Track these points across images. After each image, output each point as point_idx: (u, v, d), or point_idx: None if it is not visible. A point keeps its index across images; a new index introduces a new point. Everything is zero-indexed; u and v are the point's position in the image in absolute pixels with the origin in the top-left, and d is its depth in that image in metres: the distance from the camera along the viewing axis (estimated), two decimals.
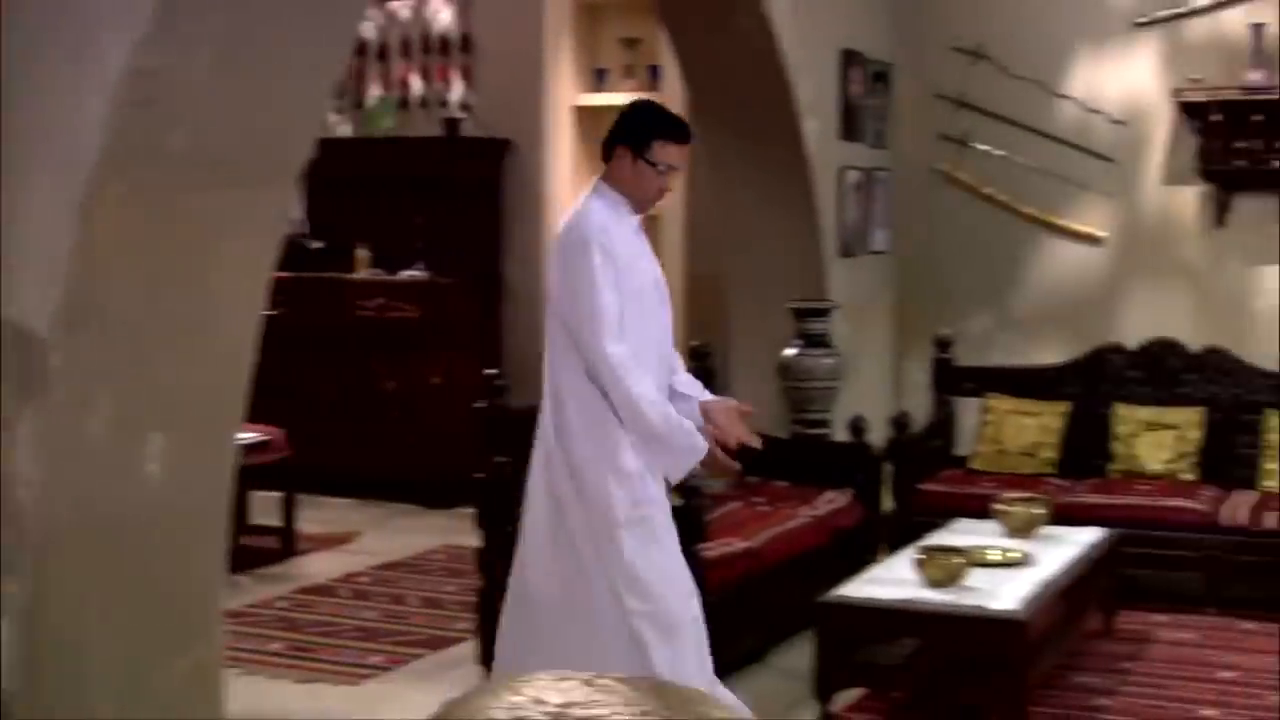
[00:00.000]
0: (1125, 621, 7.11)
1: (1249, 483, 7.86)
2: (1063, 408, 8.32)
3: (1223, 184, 8.96)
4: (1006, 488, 7.50)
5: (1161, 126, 9.12)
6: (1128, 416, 8.17)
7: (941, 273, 9.60)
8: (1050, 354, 8.88)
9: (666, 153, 4.94)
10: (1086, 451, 8.20)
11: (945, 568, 5.82)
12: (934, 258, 9.61)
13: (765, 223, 8.65)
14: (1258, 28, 8.79)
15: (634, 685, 1.94)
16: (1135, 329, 8.76)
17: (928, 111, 9.53)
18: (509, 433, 6.50)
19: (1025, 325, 9.42)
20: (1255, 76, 8.76)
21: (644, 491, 4.87)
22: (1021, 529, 6.71)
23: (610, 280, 4.79)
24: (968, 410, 8.64)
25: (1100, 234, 9.27)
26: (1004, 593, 5.77)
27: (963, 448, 8.55)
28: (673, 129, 5.00)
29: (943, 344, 8.67)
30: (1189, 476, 7.96)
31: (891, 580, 5.95)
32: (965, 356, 9.05)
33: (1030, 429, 8.31)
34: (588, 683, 1.92)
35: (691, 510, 5.81)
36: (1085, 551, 6.61)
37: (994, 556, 6.26)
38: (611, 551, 4.83)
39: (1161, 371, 8.29)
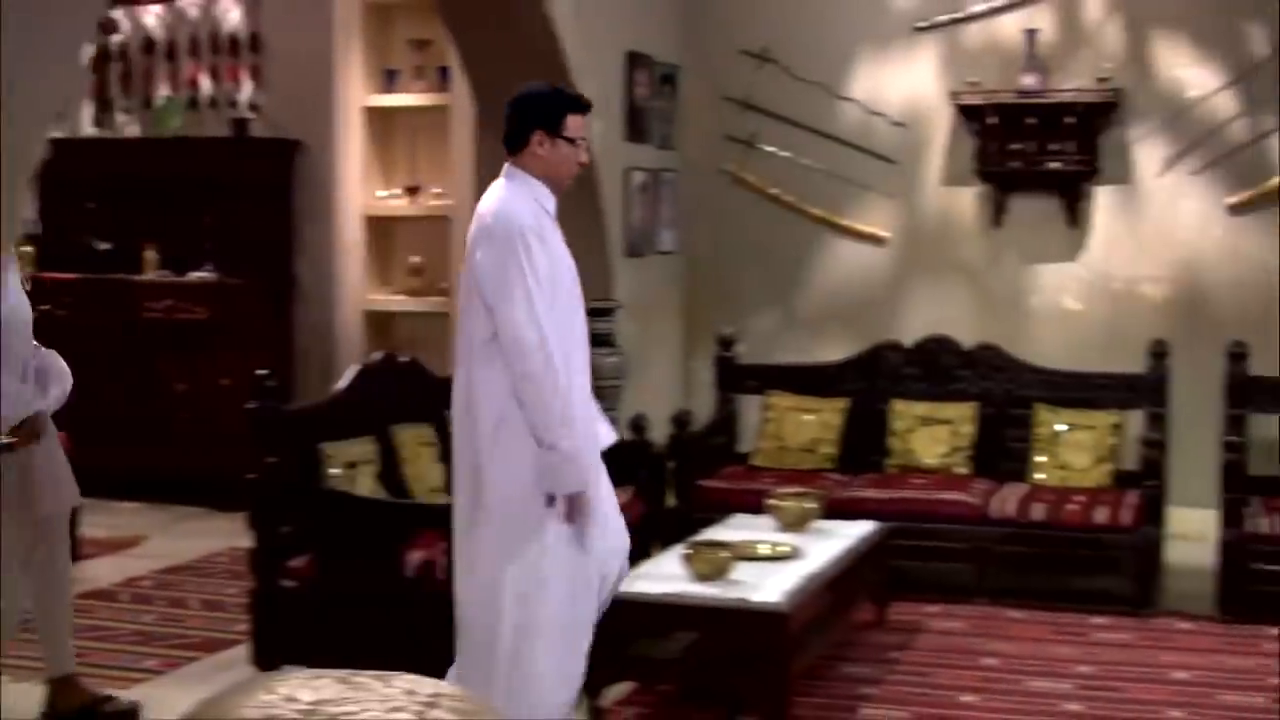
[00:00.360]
0: (898, 612, 7.27)
1: (1020, 475, 8.07)
2: (841, 404, 8.48)
3: (999, 185, 9.20)
4: (786, 483, 7.62)
5: (941, 129, 9.34)
6: (904, 412, 8.36)
7: (729, 272, 9.73)
8: (835, 352, 9.01)
9: (577, 124, 5.08)
10: (865, 447, 8.38)
11: (711, 562, 5.91)
12: (722, 258, 9.74)
13: None
14: (1031, 33, 9.05)
15: (387, 683, 1.96)
16: (917, 327, 8.96)
17: (715, 113, 9.66)
18: (281, 433, 6.50)
19: (811, 324, 9.59)
20: (1029, 80, 9.01)
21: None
22: (794, 523, 6.83)
23: (541, 270, 4.89)
24: (754, 408, 8.76)
25: (883, 234, 9.46)
26: (769, 586, 5.87)
27: (747, 445, 8.67)
28: (576, 101, 5.16)
29: (725, 343, 8.78)
30: (963, 470, 8.16)
31: (660, 575, 6.03)
32: (753, 355, 9.21)
33: (810, 425, 8.46)
34: (342, 680, 1.94)
35: None
36: (855, 544, 6.75)
37: (764, 550, 6.37)
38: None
39: (937, 368, 8.48)
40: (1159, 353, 8.16)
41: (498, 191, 5.07)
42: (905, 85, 9.36)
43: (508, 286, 4.86)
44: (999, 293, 9.30)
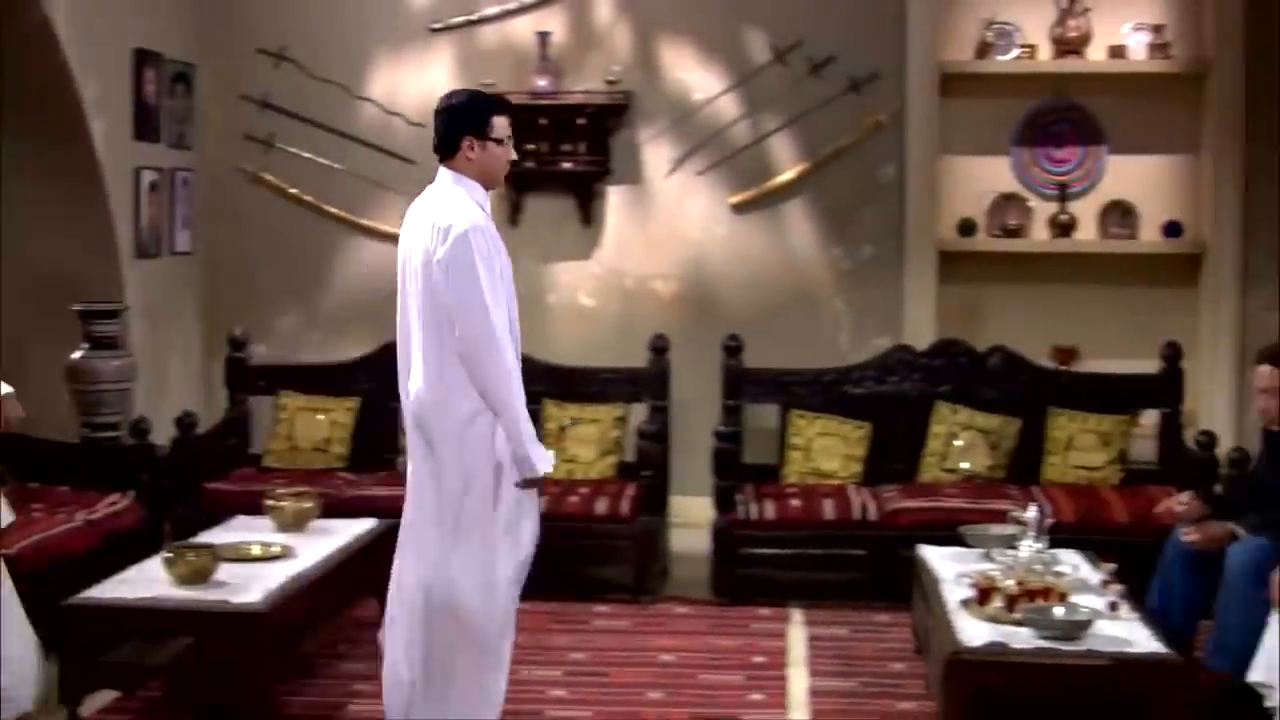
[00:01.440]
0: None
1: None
2: (352, 403, 8.51)
3: (515, 185, 9.34)
4: (296, 483, 7.62)
5: None
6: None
7: (251, 273, 9.63)
8: (358, 351, 9.01)
9: (503, 124, 5.38)
10: (378, 445, 8.42)
11: (191, 565, 5.88)
12: (243, 258, 9.63)
13: (54, 224, 8.45)
14: (543, 36, 9.23)
15: None
16: None
17: (233, 112, 9.55)
18: None
19: (334, 323, 9.57)
20: (542, 82, 9.19)
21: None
22: (292, 523, 6.83)
23: (494, 270, 5.21)
24: (268, 409, 8.69)
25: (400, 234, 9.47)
26: (253, 587, 5.86)
27: (263, 446, 8.61)
28: (498, 103, 5.48)
29: (237, 343, 8.71)
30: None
31: (142, 580, 5.96)
32: (277, 355, 9.20)
33: (322, 425, 8.46)
34: None
35: None
36: (351, 543, 6.78)
37: (255, 552, 6.36)
38: None
39: None
40: (659, 347, 8.46)
41: (444, 197, 5.32)
42: (422, 85, 9.42)
43: (474, 287, 5.14)
44: (518, 291, 9.39)
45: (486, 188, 5.41)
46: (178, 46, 9.30)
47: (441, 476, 5.26)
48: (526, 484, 5.32)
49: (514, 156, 5.51)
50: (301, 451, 8.42)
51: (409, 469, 5.45)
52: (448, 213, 5.24)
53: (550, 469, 5.38)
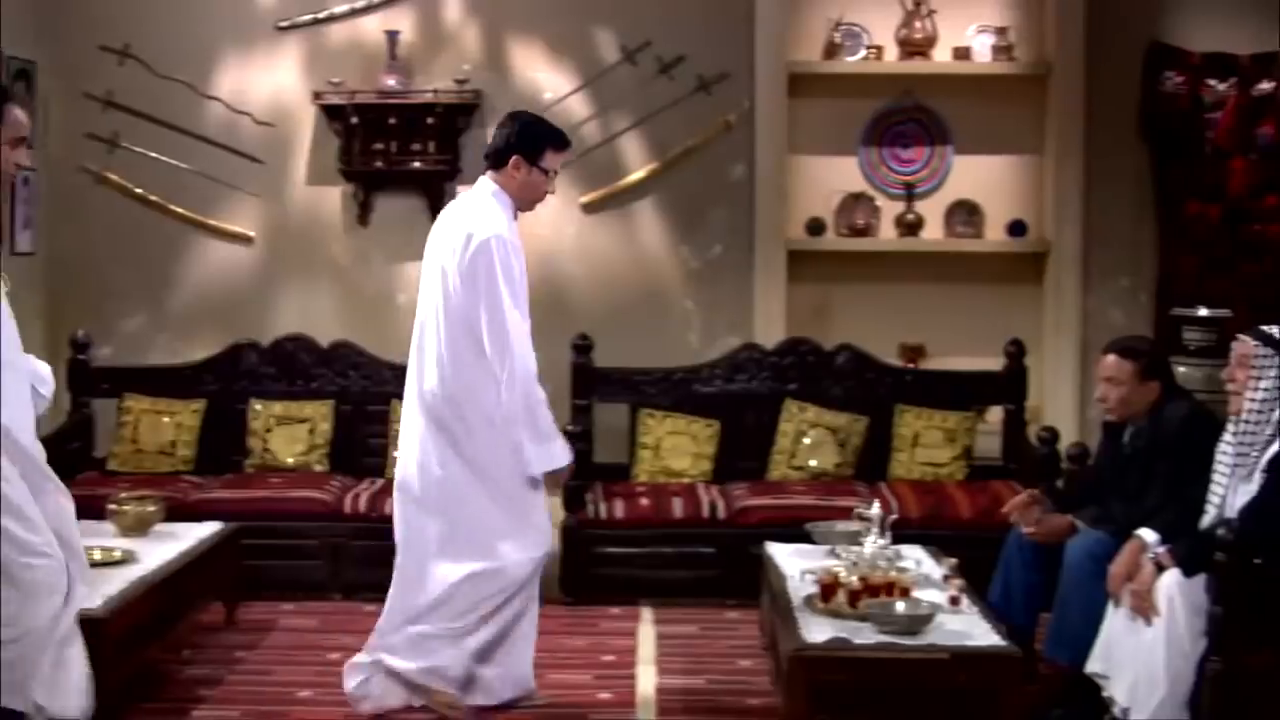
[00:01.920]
0: (250, 612, 7.30)
1: (379, 471, 8.19)
2: (198, 405, 8.42)
3: (364, 184, 9.29)
4: (141, 487, 7.54)
5: (306, 128, 9.35)
6: (262, 411, 8.37)
7: (96, 274, 9.46)
8: (206, 353, 8.91)
9: (555, 160, 5.79)
10: (224, 448, 8.34)
11: None
12: (87, 259, 9.46)
13: None
14: (392, 34, 9.17)
15: None
16: (285, 326, 9.00)
17: (76, 111, 9.37)
18: None
19: (182, 325, 9.42)
20: (390, 81, 9.14)
21: None
22: (134, 527, 6.77)
23: (517, 279, 5.66)
24: (113, 412, 8.58)
25: (250, 234, 9.40)
26: (93, 593, 5.76)
27: (108, 450, 8.49)
28: (559, 137, 5.87)
29: (79, 345, 8.59)
30: (321, 468, 8.24)
31: None
32: (123, 357, 9.06)
33: (167, 427, 8.36)
34: None
35: None
36: (195, 546, 6.72)
37: (95, 557, 6.25)
38: None
39: (294, 367, 8.55)
40: None
41: (477, 203, 5.79)
42: (269, 84, 9.34)
43: (494, 292, 5.59)
44: (368, 291, 9.40)
45: (517, 209, 5.79)
46: (18, 43, 9.12)
47: (481, 469, 5.70)
48: (547, 476, 5.78)
49: (552, 192, 5.91)
50: (147, 455, 8.31)
51: (420, 479, 5.83)
52: (474, 219, 5.68)
53: (568, 460, 5.84)
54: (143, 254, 9.46)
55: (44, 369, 5.35)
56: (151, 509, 6.84)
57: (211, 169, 9.37)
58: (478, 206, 5.76)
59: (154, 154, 9.38)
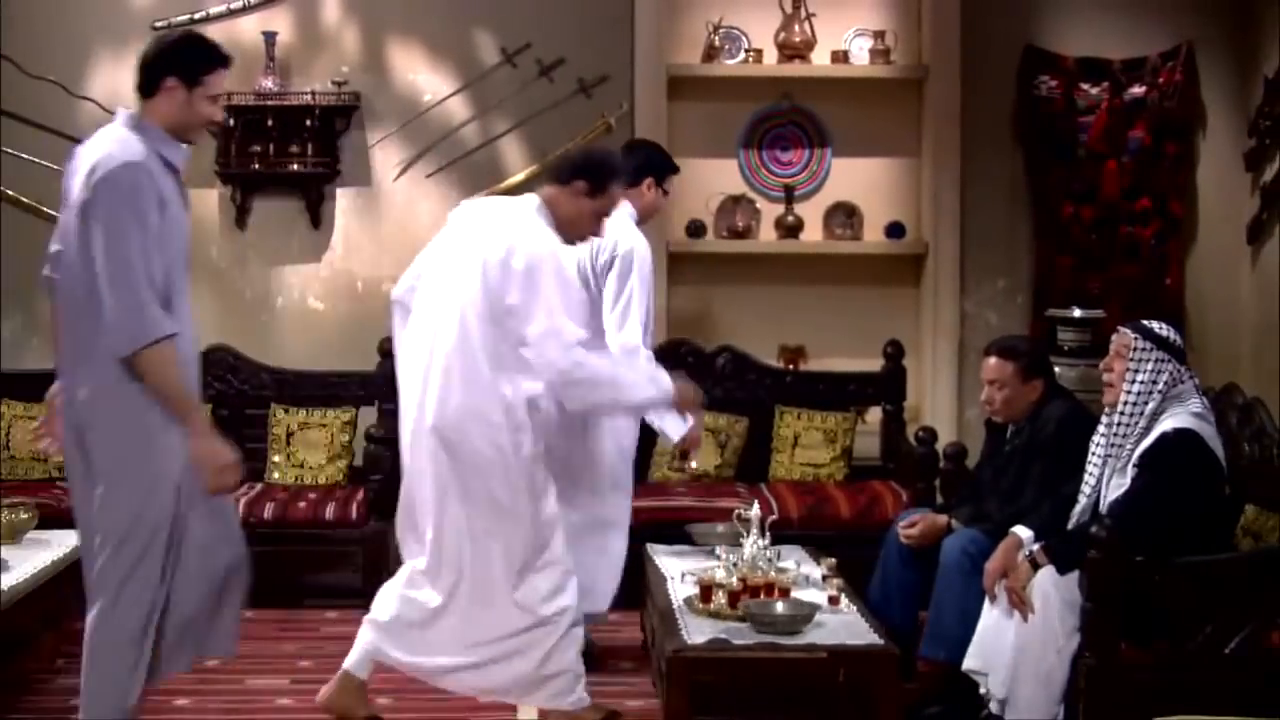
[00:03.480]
0: None
1: (258, 476, 8.12)
2: None
3: (241, 187, 9.20)
4: (12, 494, 7.41)
5: None
6: None
7: None
8: None
9: (615, 197, 5.65)
10: None
11: None
12: None
13: None
14: (270, 36, 9.10)
15: None
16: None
17: None
18: None
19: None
20: (268, 83, 9.06)
21: None
22: (6, 535, 6.64)
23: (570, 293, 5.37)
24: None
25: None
26: None
27: None
28: (620, 174, 5.73)
29: None
30: None
31: None
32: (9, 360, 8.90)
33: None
34: None
35: None
36: (70, 554, 6.59)
37: None
38: None
39: None
40: (388, 350, 8.33)
41: (519, 221, 5.48)
42: None
43: (549, 314, 5.35)
44: (246, 294, 9.31)
45: (562, 237, 5.53)
46: None
47: (500, 504, 5.43)
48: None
49: (600, 233, 5.74)
50: (20, 461, 8.20)
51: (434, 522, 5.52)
52: (534, 238, 5.39)
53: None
54: (15, 258, 9.29)
55: None
56: (24, 516, 6.74)
57: None
58: (527, 221, 5.48)
59: (26, 155, 9.23)
